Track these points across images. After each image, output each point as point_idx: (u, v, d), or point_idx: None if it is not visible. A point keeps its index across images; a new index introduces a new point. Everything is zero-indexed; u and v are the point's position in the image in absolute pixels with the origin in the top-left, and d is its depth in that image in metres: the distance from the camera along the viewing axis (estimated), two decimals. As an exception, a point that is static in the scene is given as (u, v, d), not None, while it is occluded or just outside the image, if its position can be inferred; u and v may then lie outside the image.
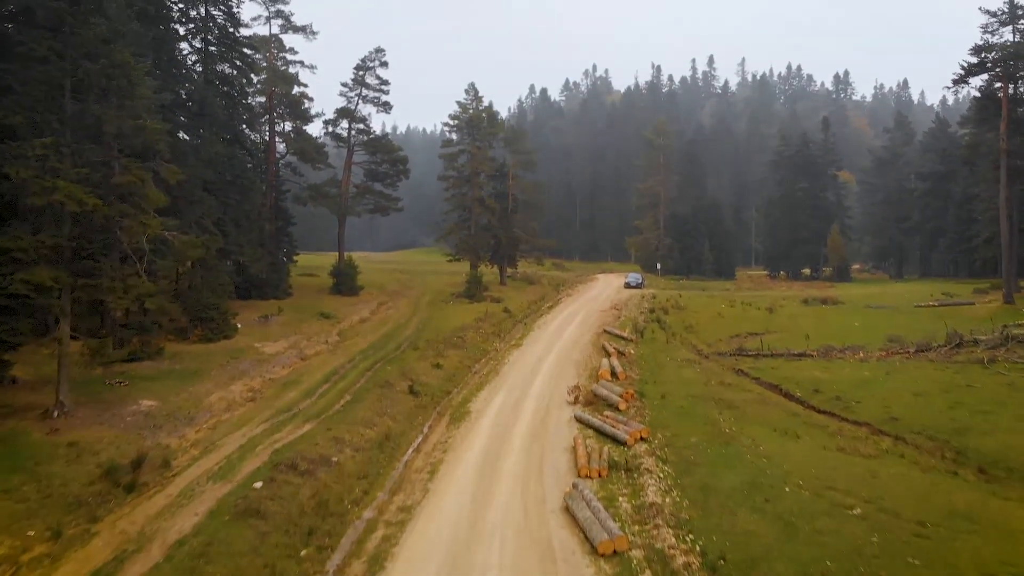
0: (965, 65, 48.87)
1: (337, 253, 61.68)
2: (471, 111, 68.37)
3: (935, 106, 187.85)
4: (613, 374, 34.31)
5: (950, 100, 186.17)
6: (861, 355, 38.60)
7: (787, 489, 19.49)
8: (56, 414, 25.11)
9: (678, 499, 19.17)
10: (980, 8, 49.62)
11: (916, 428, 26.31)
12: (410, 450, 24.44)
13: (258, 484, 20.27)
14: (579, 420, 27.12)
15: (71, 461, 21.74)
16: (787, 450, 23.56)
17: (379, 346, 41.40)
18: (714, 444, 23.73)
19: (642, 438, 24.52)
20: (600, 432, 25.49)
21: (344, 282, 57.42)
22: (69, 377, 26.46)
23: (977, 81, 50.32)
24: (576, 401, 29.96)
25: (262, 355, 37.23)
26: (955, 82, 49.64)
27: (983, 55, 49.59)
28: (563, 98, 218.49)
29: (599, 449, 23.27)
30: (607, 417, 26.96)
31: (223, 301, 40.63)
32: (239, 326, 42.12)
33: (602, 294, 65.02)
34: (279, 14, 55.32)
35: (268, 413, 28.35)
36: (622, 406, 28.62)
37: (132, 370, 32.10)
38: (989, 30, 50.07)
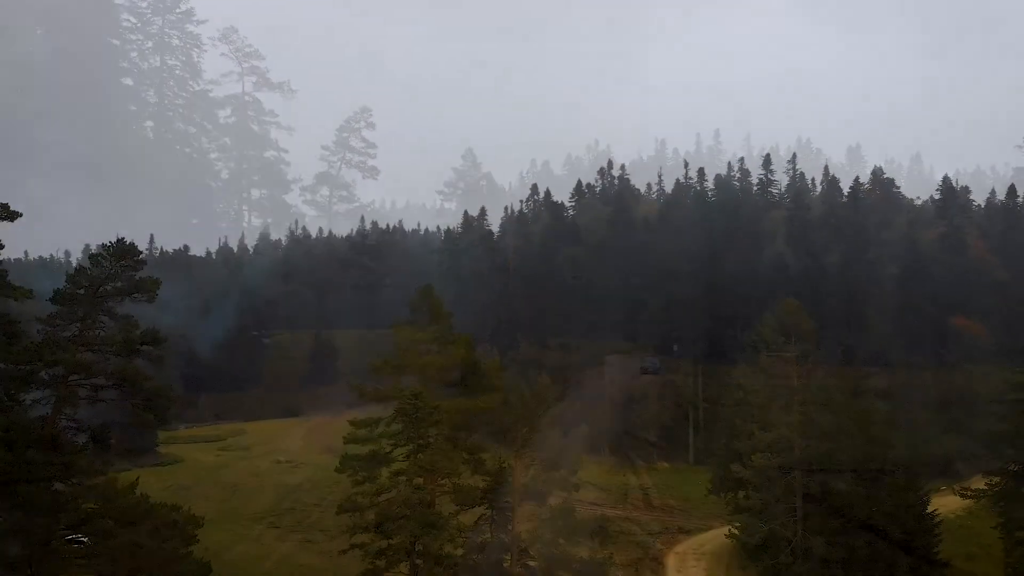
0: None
1: (315, 333, 54.01)
2: (468, 177, 62.19)
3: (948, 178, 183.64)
4: None
5: (959, 176, 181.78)
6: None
7: None
8: None
9: None
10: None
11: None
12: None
13: None
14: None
15: None
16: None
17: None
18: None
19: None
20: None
21: (320, 369, 49.47)
22: None
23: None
24: None
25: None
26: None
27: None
28: (565, 171, 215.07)
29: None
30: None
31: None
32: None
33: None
34: (253, 70, 49.90)
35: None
36: None
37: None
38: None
